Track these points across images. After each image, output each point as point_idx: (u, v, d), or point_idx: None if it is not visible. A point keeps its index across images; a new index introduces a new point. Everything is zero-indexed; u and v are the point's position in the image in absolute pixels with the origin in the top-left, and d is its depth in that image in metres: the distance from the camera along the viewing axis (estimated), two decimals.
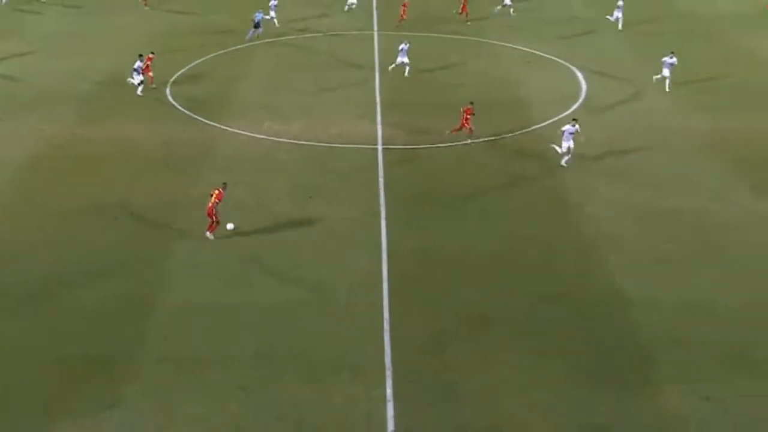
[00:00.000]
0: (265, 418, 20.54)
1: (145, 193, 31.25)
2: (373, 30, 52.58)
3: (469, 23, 53.07)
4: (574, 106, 40.33)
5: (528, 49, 48.52)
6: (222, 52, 48.21)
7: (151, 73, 41.43)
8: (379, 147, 35.68)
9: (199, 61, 46.50)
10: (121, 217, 29.52)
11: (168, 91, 41.94)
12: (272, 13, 52.10)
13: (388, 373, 21.98)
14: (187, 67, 45.31)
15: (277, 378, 21.84)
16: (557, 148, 33.20)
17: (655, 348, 23.11)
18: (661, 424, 20.43)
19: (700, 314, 24.55)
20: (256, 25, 49.98)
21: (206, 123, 38.15)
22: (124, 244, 27.86)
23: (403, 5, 52.68)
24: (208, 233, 27.87)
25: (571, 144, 32.91)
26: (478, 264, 27.14)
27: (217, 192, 27.87)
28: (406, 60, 42.56)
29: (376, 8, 57.76)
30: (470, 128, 35.36)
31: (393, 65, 42.72)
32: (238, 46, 49.07)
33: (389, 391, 21.33)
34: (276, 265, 26.84)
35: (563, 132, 33.14)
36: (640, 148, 35.75)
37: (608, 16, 52.13)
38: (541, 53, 47.91)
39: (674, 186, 32.55)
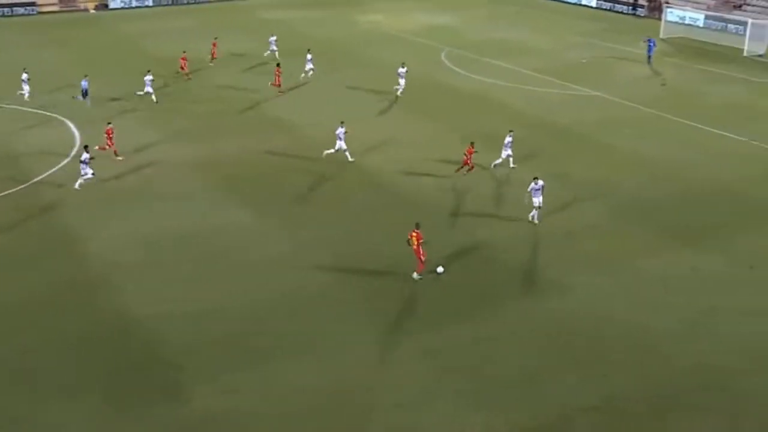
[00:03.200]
0: None
1: None
2: None
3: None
4: (72, 152, 39.10)
5: (25, 108, 46.02)
6: None
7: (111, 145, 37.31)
8: None
9: None
10: None
11: None
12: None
13: None
14: None
15: None
16: (534, 215, 31.86)
17: (179, 357, 23.46)
18: (196, 424, 20.83)
19: (213, 319, 25.42)
20: (84, 93, 45.56)
21: None
22: None
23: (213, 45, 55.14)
24: (415, 274, 27.37)
25: (540, 199, 31.41)
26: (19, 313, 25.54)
27: (415, 234, 27.05)
28: (342, 145, 37.66)
29: None
30: (471, 165, 35.59)
31: (330, 151, 37.85)
32: None
33: None
34: None
35: (531, 191, 31.56)
36: (152, 180, 36.00)
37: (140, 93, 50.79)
38: (33, 110, 45.75)
39: (178, 208, 33.21)
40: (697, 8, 73.94)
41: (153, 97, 46.74)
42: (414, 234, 27.26)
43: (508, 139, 37.47)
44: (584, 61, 59.84)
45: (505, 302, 26.75)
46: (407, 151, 40.03)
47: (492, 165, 37.38)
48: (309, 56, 51.72)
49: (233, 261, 29.10)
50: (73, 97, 46.99)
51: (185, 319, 25.36)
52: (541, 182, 31.53)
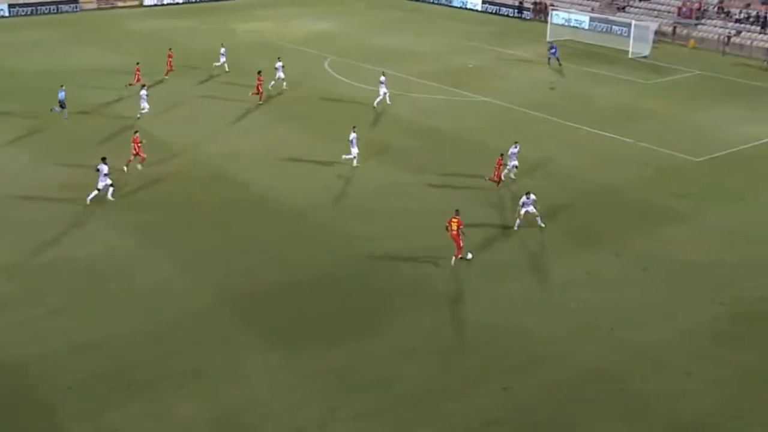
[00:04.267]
0: None
1: None
2: None
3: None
4: None
5: None
6: None
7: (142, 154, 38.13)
8: None
9: None
10: None
11: None
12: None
13: None
14: None
15: None
16: (539, 220, 33.33)
17: (56, 396, 22.78)
18: None
19: (92, 353, 24.78)
20: (61, 105, 45.17)
21: None
22: None
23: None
24: (454, 258, 29.86)
25: (530, 209, 32.89)
26: None
27: (456, 220, 29.57)
28: (356, 151, 39.48)
29: None
30: (499, 178, 36.85)
31: (349, 156, 39.33)
32: None
33: None
34: None
35: (521, 204, 33.01)
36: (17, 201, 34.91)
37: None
38: None
39: (47, 233, 32.22)
40: (582, 10, 76.94)
41: (143, 111, 45.98)
42: (455, 220, 29.72)
43: (513, 149, 38.27)
44: (471, 65, 61.33)
45: (403, 315, 27.12)
46: (295, 164, 40.13)
47: (512, 176, 38.22)
48: (279, 64, 52.40)
49: (112, 288, 28.45)
50: (51, 109, 46.00)
51: (61, 355, 24.59)
52: (533, 196, 32.87)
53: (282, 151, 41.45)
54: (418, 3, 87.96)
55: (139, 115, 45.88)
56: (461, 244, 30.02)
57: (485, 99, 52.38)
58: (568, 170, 40.03)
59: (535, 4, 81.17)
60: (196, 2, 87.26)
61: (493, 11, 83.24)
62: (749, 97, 54.68)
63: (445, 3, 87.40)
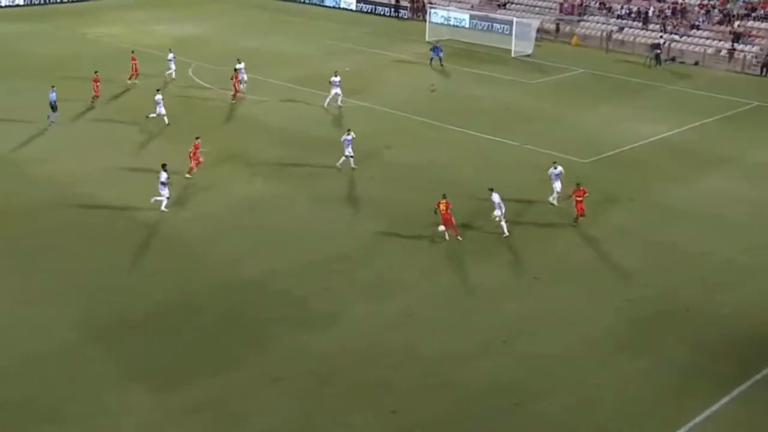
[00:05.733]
0: None
1: None
2: None
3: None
4: None
5: None
6: None
7: (198, 160, 39.39)
8: None
9: None
10: None
11: None
12: None
13: None
14: None
15: None
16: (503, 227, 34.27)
17: None
18: None
19: None
20: (53, 107, 45.59)
21: None
22: None
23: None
24: (459, 237, 33.68)
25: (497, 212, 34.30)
26: None
27: (444, 202, 33.21)
28: (350, 152, 40.89)
29: None
30: (582, 211, 35.43)
31: (345, 160, 40.89)
32: None
33: None
34: None
35: (495, 204, 34.33)
36: None
37: None
38: None
39: None
40: (461, 8, 78.43)
41: (165, 118, 46.77)
42: (443, 202, 33.08)
43: (553, 170, 37.55)
44: (348, 69, 61.51)
45: (277, 340, 26.81)
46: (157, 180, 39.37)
47: (550, 199, 37.36)
48: (240, 65, 53.96)
49: None
50: (48, 117, 45.95)
51: None
52: (497, 195, 34.52)
53: (141, 168, 40.53)
54: (287, 3, 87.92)
55: (149, 116, 46.67)
56: (454, 222, 33.20)
57: (364, 104, 52.64)
58: (452, 176, 40.46)
59: (412, 2, 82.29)
60: (39, 4, 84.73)
61: (369, 10, 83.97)
62: (633, 95, 56.86)
63: (317, 2, 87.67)
